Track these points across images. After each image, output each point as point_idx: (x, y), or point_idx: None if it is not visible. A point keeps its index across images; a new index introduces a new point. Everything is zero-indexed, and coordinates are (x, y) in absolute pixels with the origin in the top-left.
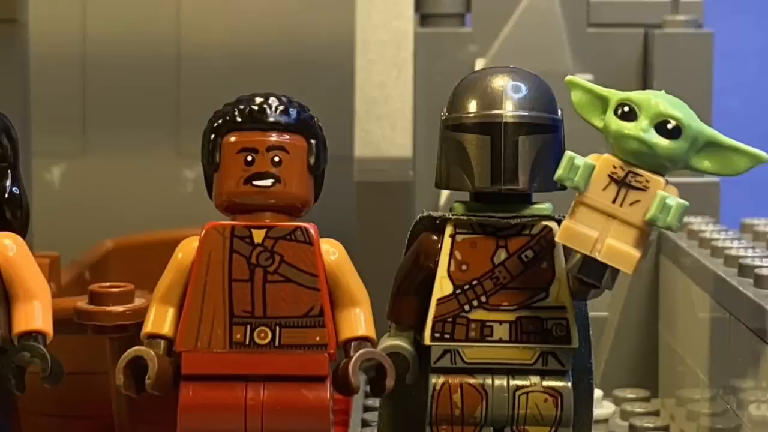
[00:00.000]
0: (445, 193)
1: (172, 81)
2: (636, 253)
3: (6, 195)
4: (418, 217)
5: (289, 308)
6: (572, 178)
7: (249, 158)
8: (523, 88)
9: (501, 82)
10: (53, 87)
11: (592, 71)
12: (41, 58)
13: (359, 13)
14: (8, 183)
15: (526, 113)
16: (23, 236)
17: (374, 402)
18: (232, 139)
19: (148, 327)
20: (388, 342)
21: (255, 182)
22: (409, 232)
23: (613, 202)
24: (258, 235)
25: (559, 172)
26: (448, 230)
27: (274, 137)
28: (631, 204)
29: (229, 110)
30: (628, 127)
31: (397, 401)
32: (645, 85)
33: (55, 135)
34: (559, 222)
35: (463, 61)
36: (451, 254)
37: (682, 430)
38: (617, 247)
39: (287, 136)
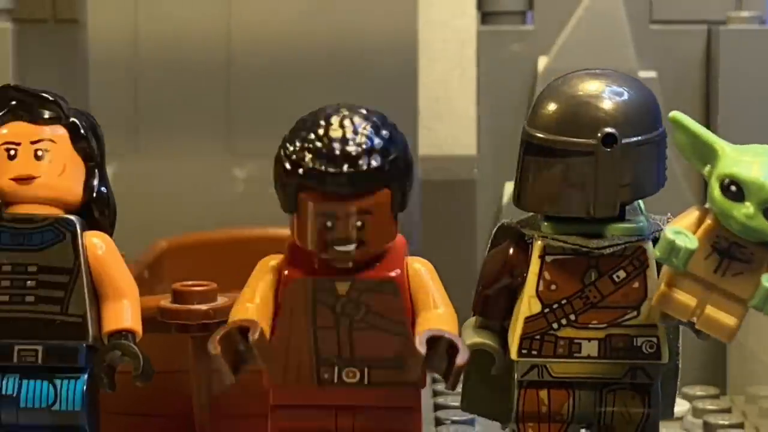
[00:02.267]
0: (508, 192)
1: (224, 80)
2: (734, 324)
3: (94, 194)
4: (501, 224)
5: (377, 352)
6: (672, 260)
7: (329, 223)
8: (627, 107)
9: (602, 103)
10: (106, 87)
11: (656, 68)
12: (96, 58)
13: (421, 11)
14: (96, 182)
15: (632, 139)
16: (110, 235)
17: (445, 400)
18: (310, 202)
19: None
20: (475, 338)
21: (337, 247)
22: (491, 238)
23: (715, 271)
24: (342, 288)
25: (658, 254)
26: (537, 250)
27: (354, 204)
28: (733, 275)
29: (306, 162)
30: (733, 208)
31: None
32: (708, 82)
33: (108, 135)
34: (654, 241)
35: (525, 58)
36: (540, 274)
37: (756, 428)
38: (716, 318)
39: (371, 197)
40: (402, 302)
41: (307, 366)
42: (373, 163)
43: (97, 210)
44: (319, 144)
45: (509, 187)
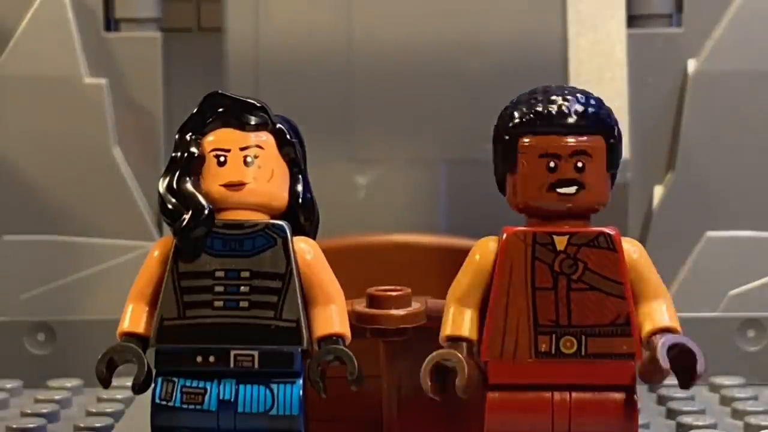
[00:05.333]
0: (658, 194)
1: (345, 86)
2: None
3: (300, 200)
4: None
5: (595, 317)
6: None
7: (552, 164)
8: None
9: None
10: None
11: None
12: (231, 65)
13: (570, 14)
14: (300, 188)
15: None
16: (313, 240)
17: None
18: (532, 143)
19: (448, 330)
20: None
21: (559, 189)
22: None
23: None
24: (560, 242)
25: None
26: None
27: (574, 141)
28: None
29: (526, 111)
30: None
31: None
32: None
33: None
34: None
35: (673, 61)
36: None
37: None
38: None
39: (586, 139)
40: (619, 260)
41: (525, 335)
42: (590, 109)
43: (302, 215)
44: (540, 97)
45: (659, 191)
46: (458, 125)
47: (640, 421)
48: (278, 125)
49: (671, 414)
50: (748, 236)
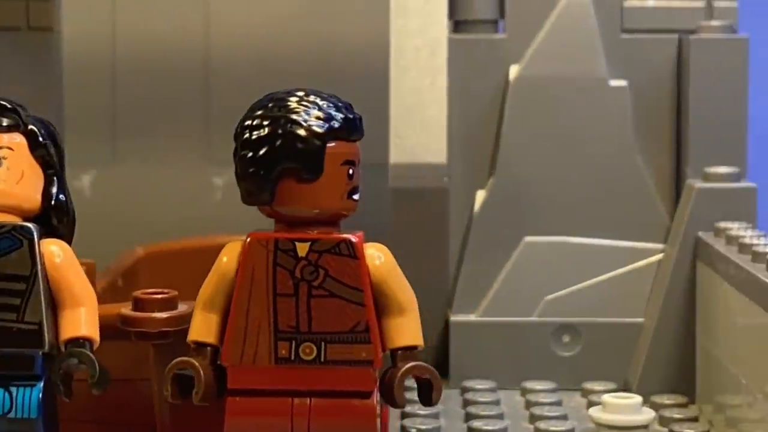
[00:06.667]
0: (480, 199)
1: (202, 88)
2: None
3: (53, 202)
4: None
5: (335, 324)
6: None
7: (350, 171)
8: None
9: None
10: (83, 95)
11: (626, 77)
12: (72, 65)
13: (394, 19)
14: (54, 190)
15: None
16: (69, 243)
17: (413, 408)
18: (338, 150)
19: (193, 334)
20: None
21: (354, 196)
22: None
23: None
24: (302, 249)
25: None
26: None
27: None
28: None
29: (328, 118)
30: None
31: None
32: (680, 90)
33: (85, 142)
34: None
35: (496, 67)
36: None
37: None
38: None
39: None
40: (360, 267)
41: (265, 340)
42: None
43: (55, 218)
44: (342, 110)
45: (481, 195)
46: None
47: (441, 423)
48: (30, 127)
49: (468, 417)
50: (565, 241)
